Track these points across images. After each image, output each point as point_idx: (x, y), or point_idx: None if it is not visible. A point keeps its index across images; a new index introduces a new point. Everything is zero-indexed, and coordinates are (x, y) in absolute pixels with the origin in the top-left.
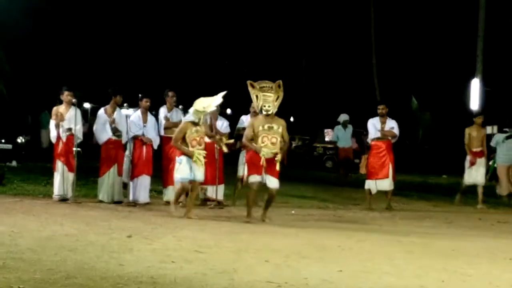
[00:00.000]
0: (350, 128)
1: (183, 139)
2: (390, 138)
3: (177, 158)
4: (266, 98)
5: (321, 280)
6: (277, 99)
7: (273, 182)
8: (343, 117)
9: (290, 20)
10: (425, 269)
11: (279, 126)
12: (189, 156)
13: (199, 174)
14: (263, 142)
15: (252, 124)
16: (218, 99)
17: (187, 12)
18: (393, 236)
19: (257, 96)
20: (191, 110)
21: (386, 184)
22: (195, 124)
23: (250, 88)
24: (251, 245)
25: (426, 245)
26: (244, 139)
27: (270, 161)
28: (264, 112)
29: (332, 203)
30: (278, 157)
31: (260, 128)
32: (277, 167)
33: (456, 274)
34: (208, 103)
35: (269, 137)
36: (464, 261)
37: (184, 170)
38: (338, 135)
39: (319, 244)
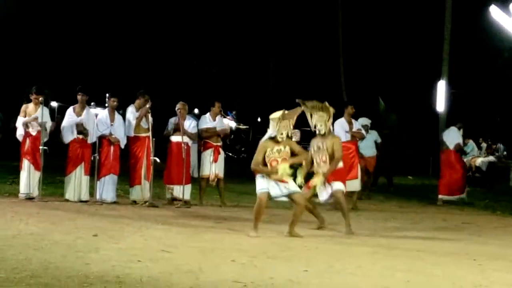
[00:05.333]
0: (372, 134)
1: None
2: (358, 139)
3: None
4: (319, 118)
5: (287, 280)
6: (329, 119)
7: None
8: (363, 121)
9: (258, 21)
10: (390, 269)
11: (325, 143)
12: (273, 173)
13: (292, 186)
14: (317, 163)
15: (311, 144)
16: (295, 111)
17: (155, 12)
18: (358, 237)
19: (311, 115)
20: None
21: (355, 184)
22: (276, 142)
23: (302, 106)
24: (217, 245)
25: (392, 246)
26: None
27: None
28: (317, 132)
29: None
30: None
31: (313, 149)
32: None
33: (421, 274)
34: (284, 112)
35: (320, 156)
36: (429, 261)
37: (265, 183)
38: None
39: (285, 244)
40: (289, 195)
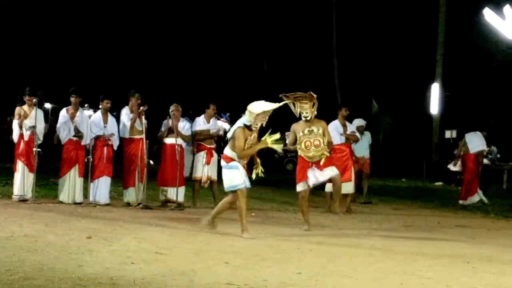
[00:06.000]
0: (367, 135)
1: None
2: (352, 141)
3: (228, 164)
4: (302, 105)
5: (280, 282)
6: (313, 105)
7: (332, 170)
8: (358, 122)
9: (251, 22)
10: (384, 271)
11: (319, 128)
12: (264, 146)
13: (247, 180)
14: (306, 147)
15: (294, 130)
16: (276, 105)
17: (149, 14)
18: (352, 239)
19: (294, 104)
20: (245, 113)
21: (349, 187)
22: (248, 129)
23: (285, 99)
24: (211, 246)
25: (386, 248)
26: (288, 145)
27: (318, 163)
28: (303, 118)
29: (292, 205)
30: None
31: (301, 133)
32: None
33: (414, 277)
34: (266, 107)
35: (311, 141)
36: (422, 264)
37: (241, 176)
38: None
39: (278, 246)
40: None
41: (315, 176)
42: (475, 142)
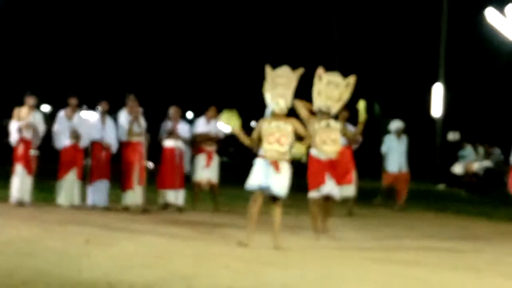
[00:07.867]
0: (404, 139)
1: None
2: (353, 144)
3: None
4: (331, 94)
5: (282, 286)
6: (339, 98)
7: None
8: (396, 124)
9: (252, 23)
10: (387, 275)
11: (336, 124)
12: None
13: (277, 185)
14: (322, 140)
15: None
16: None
17: (147, 15)
18: (354, 243)
19: (318, 92)
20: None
21: (350, 190)
22: (275, 116)
23: (317, 79)
24: (212, 250)
25: (388, 252)
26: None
27: (333, 170)
28: (324, 109)
29: (294, 208)
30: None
31: (316, 125)
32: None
33: (418, 281)
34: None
35: (328, 134)
36: (426, 268)
37: (255, 175)
38: (390, 147)
39: (280, 250)
40: (270, 194)
41: (330, 186)
42: None
